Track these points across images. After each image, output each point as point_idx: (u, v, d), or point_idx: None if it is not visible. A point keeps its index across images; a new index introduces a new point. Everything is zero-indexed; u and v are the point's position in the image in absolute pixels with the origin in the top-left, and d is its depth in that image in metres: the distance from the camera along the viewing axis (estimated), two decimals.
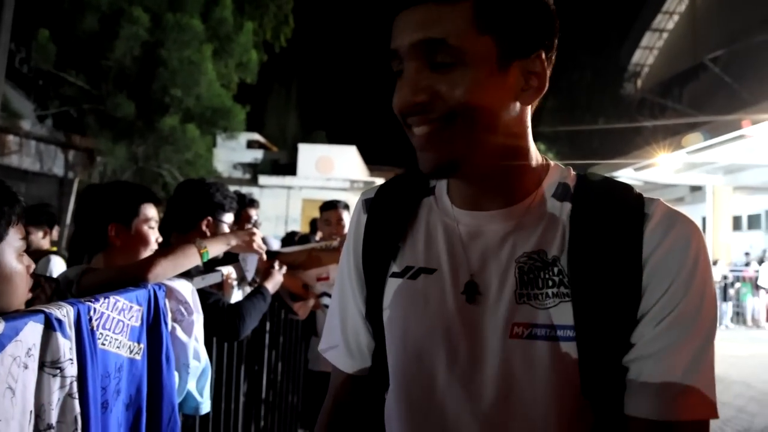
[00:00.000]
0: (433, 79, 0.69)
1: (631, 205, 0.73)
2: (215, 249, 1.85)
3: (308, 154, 22.02)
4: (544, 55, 0.73)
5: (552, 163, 0.81)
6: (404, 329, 0.80)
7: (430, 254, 0.81)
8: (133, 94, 13.24)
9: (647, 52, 27.99)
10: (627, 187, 0.77)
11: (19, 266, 1.05)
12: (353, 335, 0.91)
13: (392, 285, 0.82)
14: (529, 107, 0.75)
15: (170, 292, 1.62)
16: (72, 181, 15.11)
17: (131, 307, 1.39)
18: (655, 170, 13.39)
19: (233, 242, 1.97)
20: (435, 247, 0.81)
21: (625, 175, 13.60)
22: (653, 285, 0.69)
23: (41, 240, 3.59)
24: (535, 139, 0.79)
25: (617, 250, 0.70)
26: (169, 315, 1.60)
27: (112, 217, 1.76)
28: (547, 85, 0.74)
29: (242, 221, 2.89)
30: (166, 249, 1.74)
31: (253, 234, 2.09)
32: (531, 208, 0.76)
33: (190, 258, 1.71)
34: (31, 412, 0.97)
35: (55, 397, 1.04)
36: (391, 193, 0.89)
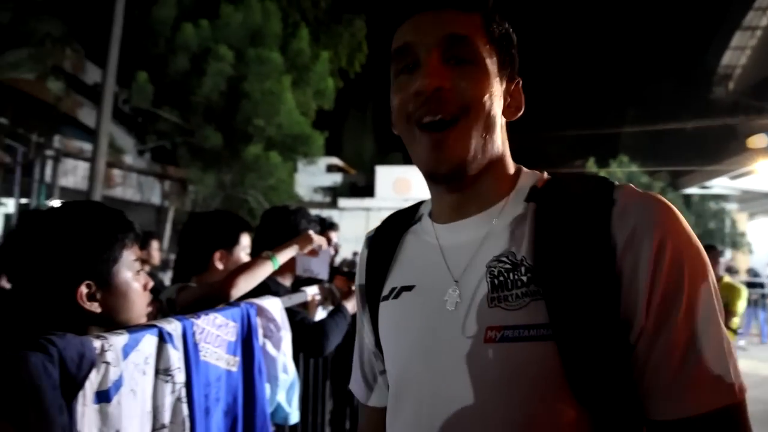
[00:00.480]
0: (453, 71, 0.74)
1: (598, 193, 0.72)
2: (283, 256, 1.99)
3: (385, 175, 22.39)
4: (521, 83, 0.82)
5: (525, 170, 0.84)
6: (393, 346, 0.82)
7: (410, 273, 0.84)
8: (219, 125, 14.12)
9: (738, 53, 26.29)
10: (597, 178, 0.76)
11: (135, 284, 1.20)
12: (368, 367, 0.96)
13: (381, 309, 0.86)
14: (504, 129, 0.81)
15: (261, 311, 1.77)
16: (167, 209, 16.23)
17: (227, 324, 1.55)
18: (754, 178, 12.50)
19: (296, 246, 2.10)
20: (414, 266, 0.84)
21: (720, 184, 12.78)
22: (628, 271, 0.66)
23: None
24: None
25: (585, 240, 0.68)
26: (260, 331, 1.75)
27: (217, 244, 1.98)
28: (523, 108, 0.82)
29: None
30: (242, 264, 1.91)
31: (309, 235, 2.20)
32: (503, 212, 0.77)
33: (263, 268, 1.87)
34: (149, 412, 1.12)
35: (168, 400, 1.19)
36: (386, 228, 0.94)
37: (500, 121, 0.78)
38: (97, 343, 0.98)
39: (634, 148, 21.75)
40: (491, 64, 0.76)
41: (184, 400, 1.24)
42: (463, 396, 0.71)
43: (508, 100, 0.80)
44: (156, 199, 16.74)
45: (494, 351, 0.69)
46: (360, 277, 0.95)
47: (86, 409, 0.95)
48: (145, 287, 1.22)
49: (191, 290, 1.88)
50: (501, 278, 0.72)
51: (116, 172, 14.96)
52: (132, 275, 1.21)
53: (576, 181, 0.77)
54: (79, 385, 0.92)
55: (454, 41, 0.75)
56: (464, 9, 0.76)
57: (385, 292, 0.85)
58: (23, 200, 12.51)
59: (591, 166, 20.51)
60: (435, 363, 0.74)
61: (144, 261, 3.98)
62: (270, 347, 1.80)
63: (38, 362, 0.83)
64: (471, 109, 0.74)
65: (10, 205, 12.33)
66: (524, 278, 0.70)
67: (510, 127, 0.82)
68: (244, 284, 1.79)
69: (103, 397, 0.99)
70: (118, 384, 1.03)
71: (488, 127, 0.75)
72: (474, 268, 0.75)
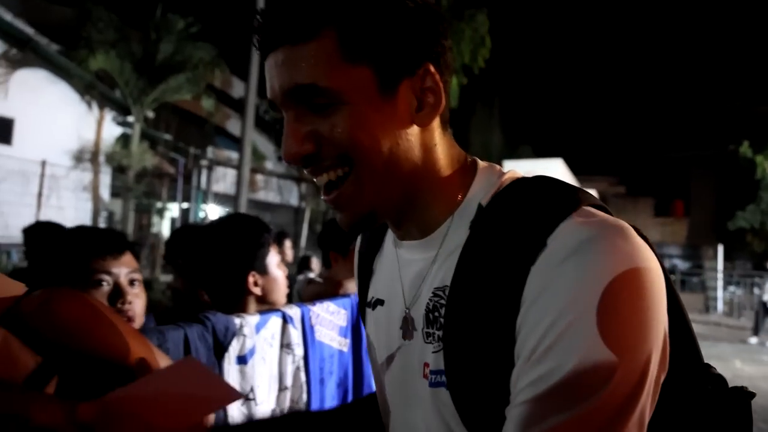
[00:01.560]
0: (315, 123, 0.62)
1: (532, 232, 0.59)
2: None
3: (514, 169, 22.01)
4: (433, 67, 0.64)
5: (481, 169, 0.71)
6: (375, 356, 0.80)
7: (383, 284, 0.79)
8: None
9: None
10: (552, 201, 0.61)
11: (280, 273, 1.58)
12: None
13: (367, 315, 0.83)
14: (434, 125, 0.67)
15: None
16: (304, 209, 17.50)
17: (339, 311, 1.87)
18: None
19: None
20: (385, 279, 0.78)
21: None
22: (524, 331, 0.56)
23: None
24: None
25: (496, 288, 0.59)
26: None
27: (332, 246, 2.37)
28: (445, 97, 0.66)
29: None
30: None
31: None
32: (447, 237, 0.67)
33: None
34: (275, 376, 1.47)
35: (289, 368, 1.53)
36: (374, 229, 0.85)
37: (410, 140, 0.64)
38: (237, 321, 1.34)
39: None
40: (363, 88, 0.61)
41: (303, 369, 1.58)
42: (416, 426, 0.69)
43: (415, 104, 0.64)
44: (294, 200, 18.13)
45: (425, 389, 0.67)
46: (356, 276, 0.91)
47: (230, 368, 1.31)
48: (284, 276, 1.60)
49: (313, 285, 2.26)
50: (435, 314, 0.66)
51: (259, 177, 16.44)
52: (277, 265, 1.59)
53: (529, 200, 0.63)
54: (225, 349, 1.28)
55: (301, 93, 0.62)
56: (303, 39, 0.61)
57: (369, 297, 0.83)
58: (184, 205, 14.29)
59: (745, 151, 18.49)
60: (401, 393, 0.73)
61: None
62: None
63: (199, 331, 1.20)
64: (354, 158, 0.63)
65: (174, 209, 14.17)
66: (442, 320, 0.64)
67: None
68: (351, 287, 2.12)
69: (242, 360, 1.35)
70: (252, 352, 1.38)
71: (384, 162, 0.63)
72: (421, 296, 0.69)
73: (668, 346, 0.58)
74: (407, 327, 0.71)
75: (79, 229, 1.46)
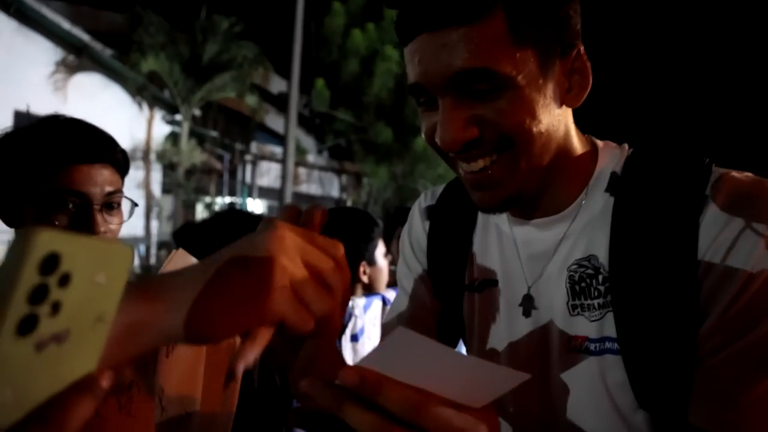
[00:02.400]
0: (476, 108, 0.61)
1: (687, 187, 0.61)
2: None
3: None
4: (582, 48, 0.64)
5: (601, 146, 0.71)
6: (478, 341, 0.78)
7: (491, 265, 0.77)
8: (389, 121, 15.08)
9: None
10: (690, 160, 0.64)
11: (384, 263, 1.73)
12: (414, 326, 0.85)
13: (466, 298, 0.80)
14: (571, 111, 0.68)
15: None
16: (345, 201, 17.77)
17: None
18: None
19: None
20: (494, 258, 0.77)
21: None
22: (711, 292, 0.58)
23: None
24: None
25: (665, 248, 0.60)
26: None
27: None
28: (591, 78, 0.65)
29: None
30: None
31: None
32: (581, 209, 0.68)
33: None
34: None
35: None
36: (453, 200, 0.83)
37: (558, 122, 0.65)
38: (350, 303, 1.50)
39: None
40: (529, 72, 0.60)
41: None
42: (543, 404, 0.70)
43: (566, 85, 0.64)
44: (335, 192, 18.41)
45: (577, 361, 0.66)
46: (416, 249, 0.87)
47: (346, 345, 1.48)
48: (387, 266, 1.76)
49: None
50: (582, 284, 0.66)
51: (301, 171, 16.75)
52: (383, 256, 1.75)
53: (664, 162, 0.65)
54: (344, 329, 1.44)
55: (468, 78, 0.59)
56: (472, 20, 0.58)
57: (468, 280, 0.80)
58: (229, 199, 14.72)
59: None
60: (523, 364, 0.71)
61: None
62: None
63: None
64: (514, 141, 0.62)
65: (220, 203, 14.62)
66: (601, 288, 0.65)
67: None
68: None
69: (354, 338, 1.51)
70: (362, 331, 1.54)
71: (540, 146, 0.63)
72: (551, 272, 0.70)
73: None
74: (528, 304, 0.72)
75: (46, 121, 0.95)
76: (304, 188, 16.93)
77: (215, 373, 0.83)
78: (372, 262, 1.68)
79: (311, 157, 17.37)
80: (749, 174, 0.62)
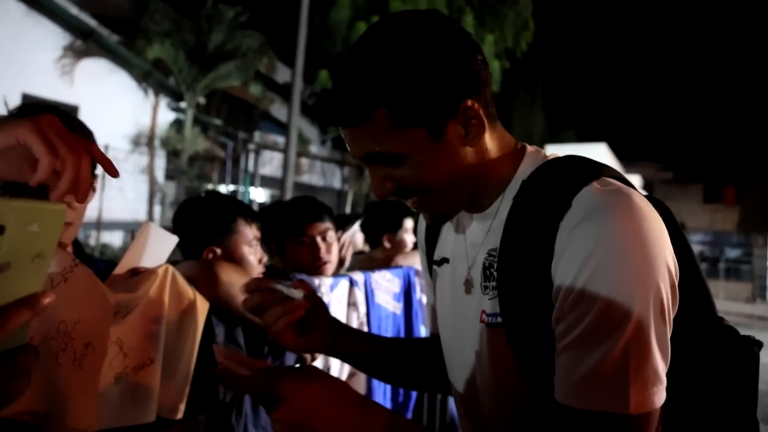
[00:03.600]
0: (390, 171, 0.77)
1: (560, 195, 0.73)
2: None
3: (556, 153, 21.69)
4: (470, 101, 0.75)
5: (528, 152, 0.84)
6: (440, 308, 0.95)
7: (448, 246, 0.93)
8: None
9: None
10: (576, 172, 0.76)
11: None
12: (430, 303, 1.08)
13: (434, 271, 0.98)
14: (485, 138, 0.79)
15: (419, 272, 2.37)
16: (347, 192, 17.91)
17: (393, 279, 2.17)
18: None
19: None
20: (450, 240, 0.93)
21: None
22: (557, 281, 0.70)
23: None
24: None
25: (533, 245, 0.73)
26: (418, 288, 2.35)
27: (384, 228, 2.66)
28: (486, 120, 0.77)
29: None
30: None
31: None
32: (499, 210, 0.81)
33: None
34: None
35: (355, 323, 1.84)
36: None
37: (466, 158, 0.78)
38: (316, 281, 1.65)
39: None
40: (418, 142, 0.74)
41: (366, 325, 1.89)
42: (471, 365, 0.85)
43: (463, 132, 0.76)
44: (337, 183, 18.53)
45: (483, 332, 0.81)
46: (421, 242, 1.06)
47: None
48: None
49: (369, 260, 2.56)
50: (490, 270, 0.81)
51: (303, 161, 16.88)
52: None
53: (560, 171, 0.78)
54: None
55: (372, 158, 0.77)
56: (359, 122, 0.74)
57: (436, 257, 0.97)
58: (231, 187, 14.88)
59: None
60: (459, 335, 0.88)
61: None
62: (425, 300, 2.40)
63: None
64: (425, 191, 0.79)
65: (222, 191, 14.78)
66: (495, 273, 0.79)
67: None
68: (400, 261, 2.43)
69: None
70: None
71: (450, 186, 0.79)
72: (478, 258, 0.84)
73: (675, 283, 0.70)
74: (468, 284, 0.85)
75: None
76: (306, 178, 17.07)
77: (178, 326, 0.99)
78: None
79: (314, 148, 17.49)
80: (614, 183, 0.73)
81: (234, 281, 1.20)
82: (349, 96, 0.74)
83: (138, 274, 0.98)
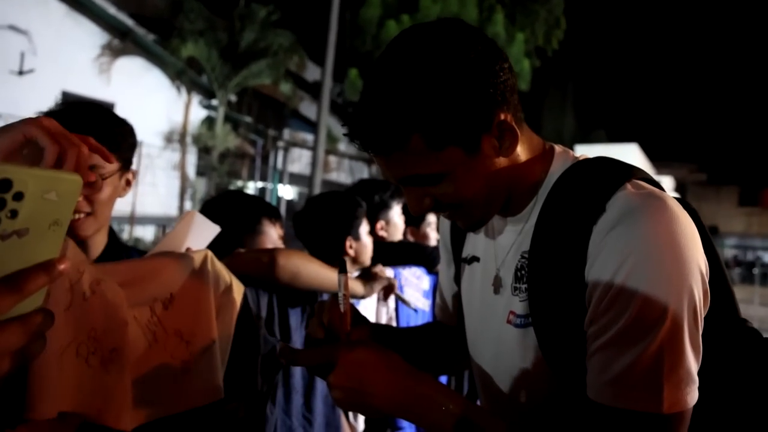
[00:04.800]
0: (427, 190, 0.78)
1: (593, 197, 0.73)
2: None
3: (586, 154, 21.40)
4: (503, 114, 0.75)
5: (557, 153, 0.85)
6: (467, 305, 0.97)
7: (478, 245, 0.95)
8: None
9: None
10: (609, 174, 0.76)
11: (368, 239, 1.88)
12: (445, 296, 1.10)
13: (463, 269, 0.98)
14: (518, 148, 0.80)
15: None
16: None
17: (423, 276, 2.19)
18: None
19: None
20: (479, 239, 0.94)
21: None
22: (591, 283, 0.71)
23: None
24: None
25: (565, 248, 0.74)
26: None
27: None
28: (519, 130, 0.77)
29: None
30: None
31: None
32: (533, 212, 0.83)
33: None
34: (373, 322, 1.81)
35: (384, 318, 1.87)
36: None
37: (501, 169, 0.79)
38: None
39: None
40: (454, 161, 0.75)
41: (394, 320, 1.91)
42: (496, 361, 0.87)
43: (497, 145, 0.77)
44: None
45: (509, 331, 0.83)
46: (445, 237, 1.07)
47: None
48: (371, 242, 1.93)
49: None
50: (522, 272, 0.82)
51: (332, 159, 17.01)
52: (366, 234, 1.91)
53: (591, 174, 0.78)
54: None
55: (409, 180, 0.78)
56: (394, 150, 0.74)
57: (464, 255, 0.99)
58: (260, 184, 15.08)
59: None
60: (486, 332, 0.89)
61: None
62: None
63: None
64: (462, 204, 0.80)
65: (251, 188, 14.99)
66: (526, 275, 0.81)
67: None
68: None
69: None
70: (357, 302, 1.72)
71: (486, 197, 0.80)
72: (509, 260, 0.85)
73: (707, 285, 0.71)
74: (497, 284, 0.87)
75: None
76: (334, 176, 17.18)
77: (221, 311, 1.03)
78: (357, 238, 1.80)
79: (342, 146, 17.59)
80: (647, 187, 0.74)
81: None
82: (381, 125, 0.73)
83: (174, 256, 1.02)
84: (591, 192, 0.74)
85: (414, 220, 2.63)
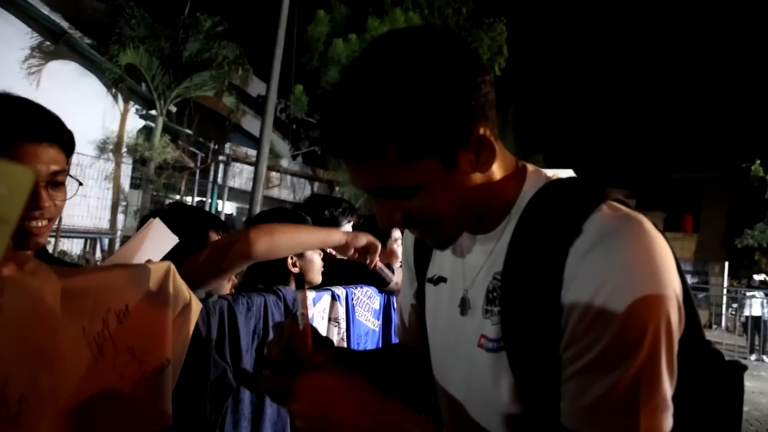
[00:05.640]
0: (399, 202, 0.74)
1: (569, 220, 0.71)
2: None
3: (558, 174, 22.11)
4: (482, 128, 0.72)
5: (530, 172, 0.82)
6: (432, 327, 0.94)
7: (445, 264, 0.91)
8: None
9: None
10: (583, 195, 0.75)
11: (315, 255, 1.79)
12: (407, 316, 1.07)
13: (427, 289, 0.95)
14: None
15: (398, 293, 2.35)
16: None
17: (374, 296, 2.15)
18: None
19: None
20: (447, 259, 0.91)
21: None
22: (568, 307, 0.69)
23: None
24: None
25: (540, 270, 0.72)
26: (397, 305, 2.33)
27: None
28: (496, 146, 0.74)
29: None
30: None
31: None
32: (504, 231, 0.80)
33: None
34: None
35: (335, 338, 1.81)
36: None
37: (476, 185, 0.76)
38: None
39: None
40: (429, 174, 0.71)
41: (345, 341, 1.85)
42: (464, 385, 0.83)
43: (474, 159, 0.73)
44: None
45: (480, 355, 0.79)
46: (408, 255, 1.04)
47: None
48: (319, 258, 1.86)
49: None
50: (493, 294, 0.79)
51: (274, 175, 16.75)
52: (311, 251, 1.84)
53: (566, 194, 0.77)
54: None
55: (381, 191, 0.74)
56: (368, 158, 0.69)
57: (429, 274, 0.95)
58: (198, 198, 14.62)
59: (757, 169, 18.58)
60: (452, 356, 0.86)
61: None
62: None
63: (274, 300, 1.48)
64: (433, 221, 0.76)
65: (189, 202, 14.52)
66: (499, 298, 0.78)
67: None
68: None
69: None
70: (310, 321, 1.65)
71: (459, 214, 0.77)
72: (480, 281, 0.82)
73: (683, 308, 0.69)
74: (464, 305, 0.84)
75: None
76: (276, 192, 16.92)
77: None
78: (300, 255, 1.72)
79: (285, 162, 17.38)
80: (622, 209, 0.73)
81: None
82: (355, 133, 0.68)
83: (134, 267, 0.93)
84: (566, 213, 0.72)
85: (380, 236, 2.57)
